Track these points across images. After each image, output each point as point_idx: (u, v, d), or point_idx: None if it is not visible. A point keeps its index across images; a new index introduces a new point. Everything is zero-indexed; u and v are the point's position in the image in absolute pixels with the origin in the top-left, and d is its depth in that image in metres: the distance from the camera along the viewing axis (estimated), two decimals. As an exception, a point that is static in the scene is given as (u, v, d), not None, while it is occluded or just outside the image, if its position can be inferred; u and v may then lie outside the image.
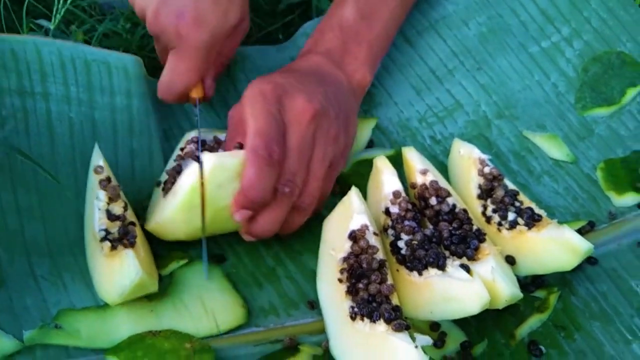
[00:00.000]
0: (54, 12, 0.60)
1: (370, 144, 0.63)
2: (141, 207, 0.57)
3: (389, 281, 0.50)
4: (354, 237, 0.51)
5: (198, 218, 0.51)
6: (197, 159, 0.53)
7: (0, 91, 0.55)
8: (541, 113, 0.64)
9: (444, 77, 0.66)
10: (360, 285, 0.49)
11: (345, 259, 0.51)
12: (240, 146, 0.51)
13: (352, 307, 0.49)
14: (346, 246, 0.51)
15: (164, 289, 0.52)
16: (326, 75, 0.57)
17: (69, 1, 0.61)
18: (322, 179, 0.53)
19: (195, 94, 0.57)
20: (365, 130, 0.63)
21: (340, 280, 0.50)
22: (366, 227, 0.51)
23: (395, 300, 0.49)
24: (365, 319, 0.48)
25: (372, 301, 0.48)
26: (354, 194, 0.53)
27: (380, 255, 0.51)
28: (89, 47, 0.60)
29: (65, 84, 0.57)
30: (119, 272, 0.49)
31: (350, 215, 0.52)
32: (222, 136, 0.58)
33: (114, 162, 0.57)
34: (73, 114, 0.57)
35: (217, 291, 0.52)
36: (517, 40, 0.66)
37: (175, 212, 0.51)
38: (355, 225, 0.52)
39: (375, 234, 0.52)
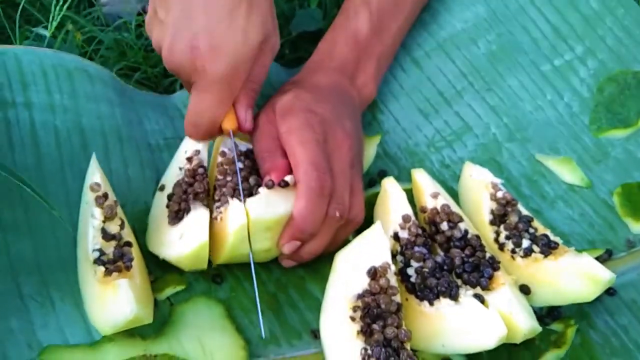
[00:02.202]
0: (50, 19, 0.58)
1: (383, 174, 0.61)
2: (138, 217, 0.55)
3: (405, 326, 0.47)
4: (374, 274, 0.48)
5: (205, 262, 0.52)
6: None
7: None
8: (554, 135, 0.62)
9: (453, 99, 0.65)
10: (376, 327, 0.46)
11: (360, 296, 0.48)
12: (273, 184, 0.50)
13: (365, 349, 0.46)
14: (363, 282, 0.48)
15: (159, 326, 0.49)
16: (345, 96, 0.58)
17: (65, 7, 0.58)
18: (362, 190, 0.55)
19: (228, 125, 0.53)
20: (371, 148, 0.62)
21: (352, 319, 0.47)
22: (388, 265, 0.48)
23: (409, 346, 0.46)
24: None
25: (387, 345, 0.45)
26: (379, 228, 0.50)
27: (398, 298, 0.48)
28: (70, 55, 0.59)
29: (48, 91, 0.56)
30: (112, 303, 0.46)
31: (372, 250, 0.49)
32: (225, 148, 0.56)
33: (107, 170, 0.54)
34: (58, 122, 0.55)
35: (217, 331, 0.49)
36: (529, 58, 0.65)
37: (183, 258, 0.51)
38: (377, 261, 0.49)
39: (395, 274, 0.49)
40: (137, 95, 0.63)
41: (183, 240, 0.50)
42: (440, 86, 0.65)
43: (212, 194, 0.54)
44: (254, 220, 0.49)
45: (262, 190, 0.50)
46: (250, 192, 0.52)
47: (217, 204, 0.52)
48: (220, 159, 0.55)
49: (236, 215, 0.49)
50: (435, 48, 0.67)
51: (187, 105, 0.63)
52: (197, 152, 0.55)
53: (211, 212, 0.52)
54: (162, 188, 0.55)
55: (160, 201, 0.55)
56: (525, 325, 0.46)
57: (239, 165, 0.53)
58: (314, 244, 0.52)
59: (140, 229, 0.54)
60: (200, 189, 0.53)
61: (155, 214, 0.54)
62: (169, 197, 0.54)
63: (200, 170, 0.54)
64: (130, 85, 0.65)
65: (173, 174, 0.55)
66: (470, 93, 0.64)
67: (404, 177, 0.60)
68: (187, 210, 0.52)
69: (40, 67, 0.56)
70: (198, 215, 0.50)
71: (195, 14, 0.49)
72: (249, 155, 0.55)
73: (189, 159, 0.55)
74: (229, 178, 0.53)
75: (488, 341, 0.45)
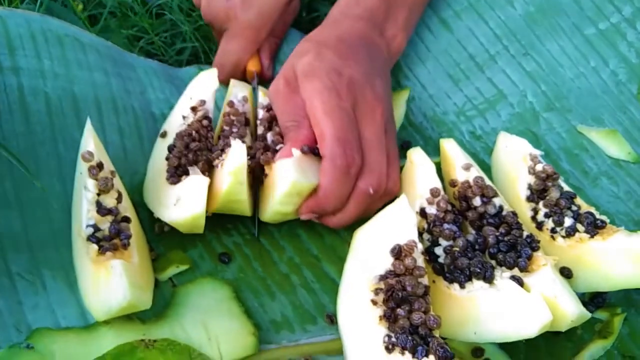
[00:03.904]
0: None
1: (407, 146, 0.56)
2: (138, 190, 0.51)
3: (432, 312, 0.42)
4: (399, 253, 0.43)
5: (201, 229, 0.48)
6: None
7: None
8: (598, 105, 0.57)
9: (485, 64, 0.59)
10: (401, 312, 0.41)
11: (382, 278, 0.43)
12: (308, 149, 0.47)
13: (389, 337, 0.41)
14: (386, 262, 0.43)
15: (160, 309, 0.45)
16: (373, 49, 0.54)
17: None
18: (398, 157, 0.51)
19: (252, 67, 0.59)
20: (400, 105, 0.58)
21: (373, 302, 0.42)
22: (414, 243, 0.43)
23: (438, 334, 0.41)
24: (406, 352, 0.40)
25: (414, 332, 0.41)
26: (404, 202, 0.45)
27: (425, 280, 0.43)
28: (60, 20, 0.55)
29: (38, 57, 0.52)
30: (105, 286, 0.42)
31: (396, 227, 0.44)
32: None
33: (102, 141, 0.50)
34: (49, 88, 0.51)
35: (224, 315, 0.45)
36: (571, 21, 0.59)
37: (178, 224, 0.47)
38: (402, 239, 0.44)
39: (422, 253, 0.44)
40: (140, 63, 0.59)
41: (179, 206, 0.47)
42: (472, 50, 0.60)
43: (215, 143, 0.51)
44: (291, 182, 0.46)
45: (296, 152, 0.47)
46: (267, 147, 0.49)
47: (219, 152, 0.49)
48: (227, 109, 0.52)
49: (236, 155, 0.46)
50: (467, 7, 0.61)
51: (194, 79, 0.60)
52: (203, 102, 0.52)
53: (212, 164, 0.49)
54: (164, 135, 0.53)
55: (160, 149, 0.51)
56: (572, 311, 0.41)
57: (260, 113, 0.51)
58: (342, 216, 0.48)
59: (140, 202, 0.50)
60: (204, 146, 0.49)
61: (155, 163, 0.51)
62: (170, 148, 0.50)
63: (205, 122, 0.51)
64: (135, 53, 0.60)
65: (176, 122, 0.52)
66: (505, 58, 0.59)
67: (430, 150, 0.55)
68: (186, 170, 0.48)
69: (29, 31, 0.52)
70: (196, 183, 0.46)
71: None
72: (269, 109, 0.52)
73: (194, 109, 0.52)
74: (234, 129, 0.51)
75: (529, 328, 0.40)
